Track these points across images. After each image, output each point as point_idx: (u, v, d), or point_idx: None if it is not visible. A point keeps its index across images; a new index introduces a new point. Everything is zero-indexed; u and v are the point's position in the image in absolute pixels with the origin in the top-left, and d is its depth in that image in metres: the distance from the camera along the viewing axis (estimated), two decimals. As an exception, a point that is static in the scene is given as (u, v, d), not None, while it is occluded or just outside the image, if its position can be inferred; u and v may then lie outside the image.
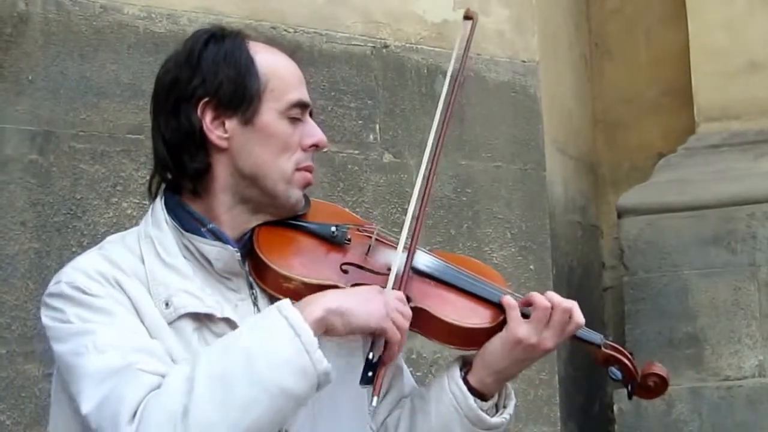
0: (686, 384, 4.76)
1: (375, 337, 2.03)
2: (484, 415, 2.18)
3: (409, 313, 2.06)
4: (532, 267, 4.36)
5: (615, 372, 2.28)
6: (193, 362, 1.95)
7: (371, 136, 4.00)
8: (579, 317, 2.20)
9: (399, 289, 2.11)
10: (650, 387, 2.30)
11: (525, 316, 2.18)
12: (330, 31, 3.94)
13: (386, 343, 2.02)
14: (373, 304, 2.02)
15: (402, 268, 2.14)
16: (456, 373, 2.20)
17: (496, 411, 2.22)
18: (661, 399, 4.71)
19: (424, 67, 4.19)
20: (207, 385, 1.89)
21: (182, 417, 1.87)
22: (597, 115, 5.74)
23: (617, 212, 5.11)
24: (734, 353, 4.78)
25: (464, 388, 2.18)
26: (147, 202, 3.36)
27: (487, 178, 4.30)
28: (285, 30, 3.79)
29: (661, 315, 4.88)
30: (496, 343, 2.18)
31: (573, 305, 2.20)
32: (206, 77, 2.10)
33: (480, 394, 2.19)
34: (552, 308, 2.17)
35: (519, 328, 2.16)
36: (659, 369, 2.30)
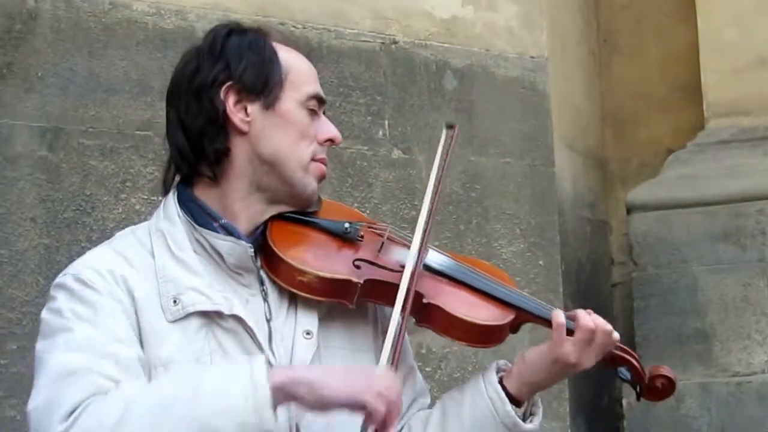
0: (695, 379, 4.75)
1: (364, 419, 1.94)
2: (520, 421, 2.19)
3: (399, 389, 1.96)
4: (541, 263, 4.36)
5: (624, 373, 2.30)
6: (150, 380, 1.96)
7: (380, 132, 4.00)
8: (615, 335, 2.23)
9: (411, 287, 2.13)
10: (658, 388, 2.32)
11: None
12: (339, 27, 3.94)
13: (372, 420, 1.92)
14: (354, 378, 1.94)
15: (414, 266, 2.15)
16: (494, 378, 2.22)
17: (524, 418, 2.23)
18: (671, 394, 4.71)
19: (432, 63, 4.19)
20: (148, 405, 1.89)
21: (111, 428, 1.87)
22: (606, 111, 5.74)
23: (626, 208, 5.11)
24: (743, 349, 4.77)
25: (503, 393, 2.19)
26: (155, 198, 3.39)
27: (495, 174, 4.30)
28: (293, 26, 3.80)
29: (670, 311, 4.87)
30: (536, 356, 2.20)
31: (611, 328, 2.22)
32: (230, 63, 2.13)
33: (514, 400, 2.20)
34: (596, 331, 2.19)
35: (563, 346, 2.18)
36: (666, 371, 2.31)
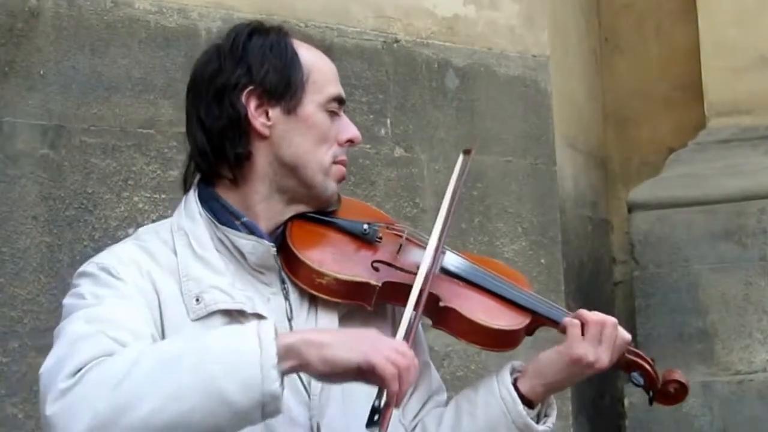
0: (697, 378, 4.75)
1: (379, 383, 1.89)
2: (531, 422, 2.20)
3: (411, 355, 1.90)
4: (542, 261, 4.36)
5: (637, 378, 2.30)
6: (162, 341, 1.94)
7: (382, 131, 4.00)
8: (624, 333, 2.24)
9: (424, 288, 2.12)
10: (671, 393, 2.32)
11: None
12: (341, 25, 3.94)
13: (384, 381, 1.87)
14: (361, 341, 1.88)
15: (430, 268, 2.15)
16: (507, 378, 2.22)
17: (538, 419, 2.24)
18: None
19: (434, 62, 4.19)
20: (152, 362, 1.84)
21: (116, 384, 1.83)
22: (607, 110, 5.74)
23: (627, 207, 5.10)
24: (745, 348, 4.77)
25: (515, 394, 2.20)
26: (158, 196, 3.39)
27: (497, 173, 4.30)
28: (296, 25, 3.79)
29: (671, 310, 4.87)
30: (553, 357, 2.21)
31: (615, 321, 2.23)
32: (252, 66, 2.13)
33: (527, 401, 2.21)
34: (603, 323, 2.20)
35: (579, 346, 2.19)
36: (680, 376, 2.32)
